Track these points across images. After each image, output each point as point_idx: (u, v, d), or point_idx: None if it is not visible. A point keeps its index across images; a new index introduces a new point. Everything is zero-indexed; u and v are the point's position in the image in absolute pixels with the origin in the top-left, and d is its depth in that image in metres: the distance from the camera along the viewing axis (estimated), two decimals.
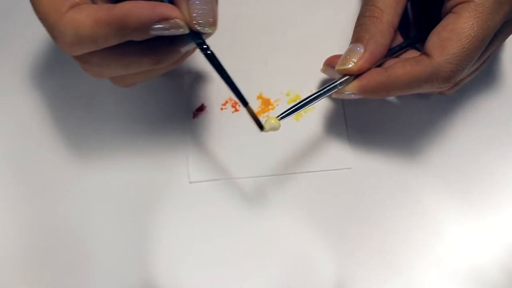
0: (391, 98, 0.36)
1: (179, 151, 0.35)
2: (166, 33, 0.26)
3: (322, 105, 0.36)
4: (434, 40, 0.29)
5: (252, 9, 0.38)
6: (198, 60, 0.37)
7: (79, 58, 0.28)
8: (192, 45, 0.28)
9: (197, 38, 0.27)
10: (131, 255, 0.33)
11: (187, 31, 0.26)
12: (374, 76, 0.31)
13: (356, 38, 0.31)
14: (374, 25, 0.31)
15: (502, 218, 0.34)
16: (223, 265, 0.33)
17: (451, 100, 0.36)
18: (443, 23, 0.30)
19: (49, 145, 0.35)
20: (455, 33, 0.29)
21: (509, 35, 0.32)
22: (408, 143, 0.36)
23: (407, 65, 0.30)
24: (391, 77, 0.30)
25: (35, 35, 0.37)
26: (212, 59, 0.27)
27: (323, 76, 0.36)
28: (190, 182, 0.34)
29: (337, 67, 0.31)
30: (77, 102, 0.36)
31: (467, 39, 0.28)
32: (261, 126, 0.29)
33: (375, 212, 0.34)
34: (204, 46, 0.27)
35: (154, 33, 0.26)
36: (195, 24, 0.26)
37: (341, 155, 0.35)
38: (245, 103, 0.28)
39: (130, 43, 0.27)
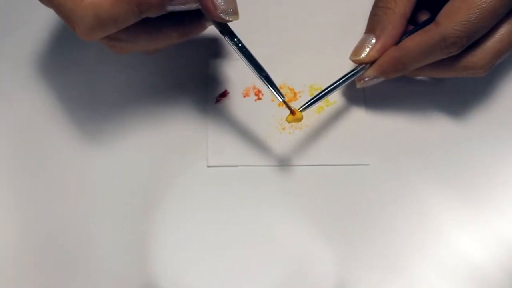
0: (412, 99, 0.36)
1: (199, 134, 0.35)
2: (183, 8, 0.27)
3: (344, 100, 0.36)
4: (445, 9, 0.30)
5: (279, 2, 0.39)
6: (223, 45, 0.37)
7: (107, 37, 0.28)
8: None
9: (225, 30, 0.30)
10: (137, 241, 0.33)
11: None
12: (389, 53, 0.32)
13: (369, 28, 0.33)
14: (386, 16, 0.32)
15: (503, 219, 0.34)
16: (226, 258, 0.33)
17: (458, 102, 0.36)
18: None
19: (55, 136, 0.35)
20: (466, 3, 0.29)
21: None
22: (413, 144, 0.35)
23: (416, 36, 0.31)
24: (403, 50, 0.31)
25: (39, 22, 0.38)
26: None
27: (346, 70, 0.36)
28: (208, 166, 0.35)
29: (350, 57, 0.33)
30: (97, 86, 0.36)
31: (476, 9, 0.29)
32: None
33: (376, 213, 0.34)
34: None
35: (170, 8, 0.27)
36: (220, 13, 0.27)
37: (360, 151, 0.35)
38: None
39: (160, 18, 0.28)
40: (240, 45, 0.29)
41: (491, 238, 0.34)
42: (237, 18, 0.28)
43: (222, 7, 0.27)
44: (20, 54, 0.37)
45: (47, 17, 0.37)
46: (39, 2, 0.28)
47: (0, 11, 0.38)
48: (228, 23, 0.29)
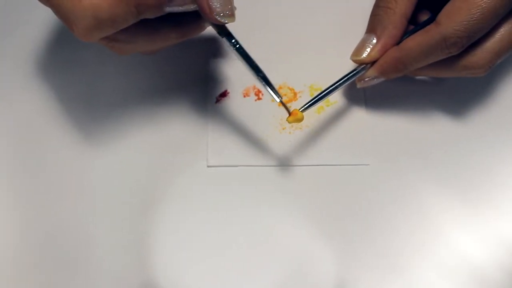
0: (412, 99, 0.36)
1: (199, 134, 0.35)
2: (180, 9, 0.27)
3: (344, 100, 0.36)
4: (446, 9, 0.31)
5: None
6: (223, 45, 0.37)
7: (106, 38, 0.28)
8: None
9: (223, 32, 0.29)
10: (136, 241, 0.33)
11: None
12: (389, 54, 0.32)
13: (370, 28, 0.33)
14: (387, 16, 0.32)
15: (503, 219, 0.34)
16: (226, 258, 0.33)
17: (458, 102, 0.36)
18: None
19: (55, 136, 0.35)
20: (467, 3, 0.30)
21: None
22: (413, 144, 0.35)
23: (417, 36, 0.31)
24: (404, 50, 0.31)
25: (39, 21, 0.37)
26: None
27: (346, 70, 0.36)
28: (208, 166, 0.35)
29: (351, 57, 0.33)
30: (97, 86, 0.36)
31: (477, 10, 0.29)
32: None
33: (376, 213, 0.34)
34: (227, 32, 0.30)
35: (168, 10, 0.27)
36: (216, 15, 0.27)
37: (360, 151, 0.35)
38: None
39: (158, 19, 0.28)
40: (237, 46, 0.29)
41: (491, 238, 0.34)
42: (233, 20, 0.28)
43: (218, 9, 0.27)
44: (20, 54, 0.37)
45: (47, 17, 0.37)
46: (38, 2, 0.28)
47: (0, 11, 0.38)
48: (227, 24, 0.29)
